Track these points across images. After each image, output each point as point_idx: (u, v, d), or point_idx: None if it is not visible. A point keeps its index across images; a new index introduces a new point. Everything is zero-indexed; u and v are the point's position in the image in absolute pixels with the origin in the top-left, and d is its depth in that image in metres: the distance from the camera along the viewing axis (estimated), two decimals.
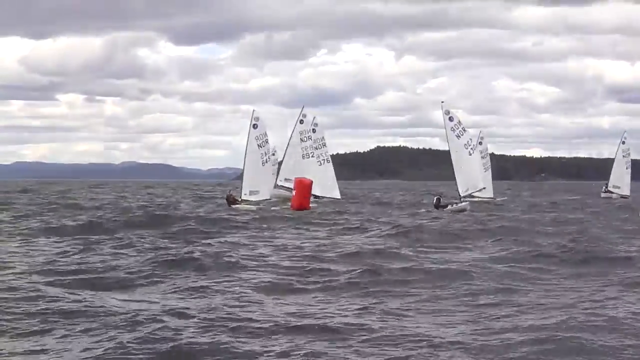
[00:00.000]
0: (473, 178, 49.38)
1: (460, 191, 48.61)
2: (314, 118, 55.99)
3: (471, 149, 49.82)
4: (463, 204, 47.71)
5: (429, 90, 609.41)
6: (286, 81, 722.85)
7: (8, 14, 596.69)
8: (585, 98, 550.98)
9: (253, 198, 46.23)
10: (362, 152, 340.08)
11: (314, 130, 54.47)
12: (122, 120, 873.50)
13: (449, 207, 47.13)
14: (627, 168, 69.28)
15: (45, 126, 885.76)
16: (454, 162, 48.64)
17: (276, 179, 53.15)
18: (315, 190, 49.38)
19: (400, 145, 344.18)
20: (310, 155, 53.36)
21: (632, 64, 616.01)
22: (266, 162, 47.71)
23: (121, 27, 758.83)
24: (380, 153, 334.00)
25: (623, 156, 69.53)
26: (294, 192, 45.04)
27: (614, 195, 68.13)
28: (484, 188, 53.10)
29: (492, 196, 60.63)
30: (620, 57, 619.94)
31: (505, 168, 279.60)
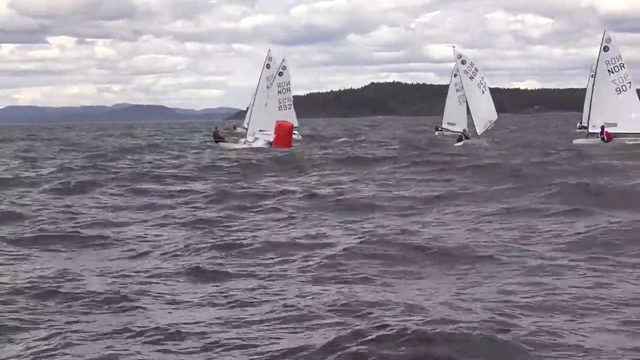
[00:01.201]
0: (488, 115, 49.74)
1: (477, 130, 49.10)
2: (283, 60, 50.87)
3: (483, 87, 50.43)
4: (480, 140, 47.77)
5: (422, 25, 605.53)
6: (278, 18, 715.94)
7: None
8: (580, 28, 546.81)
9: (263, 137, 46.39)
10: (356, 88, 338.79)
11: (280, 74, 50.04)
12: (114, 62, 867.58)
13: (466, 141, 46.91)
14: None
15: (37, 69, 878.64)
16: (469, 104, 49.85)
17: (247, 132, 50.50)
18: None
19: (394, 81, 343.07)
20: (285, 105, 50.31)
21: None
22: (284, 108, 48.40)
23: None
24: (375, 89, 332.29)
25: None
26: (274, 136, 45.26)
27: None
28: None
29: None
30: None
31: (499, 101, 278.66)
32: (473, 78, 49.91)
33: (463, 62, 50.26)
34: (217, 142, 49.33)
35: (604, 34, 43.65)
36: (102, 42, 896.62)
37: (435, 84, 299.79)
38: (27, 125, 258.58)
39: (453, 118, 62.32)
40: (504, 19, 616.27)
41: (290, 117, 49.47)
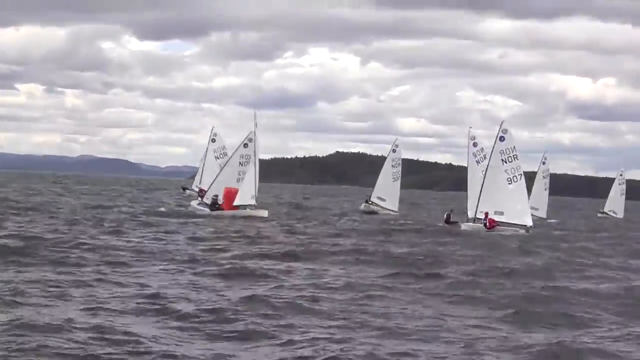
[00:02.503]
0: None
1: (469, 213, 47.54)
2: (213, 128, 56.61)
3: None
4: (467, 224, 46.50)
5: (392, 98, 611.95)
6: (250, 82, 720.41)
7: None
8: (547, 113, 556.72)
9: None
10: (321, 156, 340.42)
11: (213, 140, 55.57)
12: (82, 113, 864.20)
13: (462, 225, 45.68)
14: (545, 189, 65.13)
15: (3, 115, 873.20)
16: (468, 184, 48.95)
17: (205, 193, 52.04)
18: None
19: (359, 152, 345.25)
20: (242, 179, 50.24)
21: (594, 81, 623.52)
22: (241, 179, 48.97)
23: (86, 19, 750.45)
24: (340, 158, 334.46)
25: (543, 177, 65.71)
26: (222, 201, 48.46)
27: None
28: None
29: (544, 216, 61.82)
30: (584, 73, 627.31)
31: (461, 179, 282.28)
32: (479, 163, 49.73)
33: (474, 145, 50.52)
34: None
35: (501, 124, 44.18)
36: (71, 92, 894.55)
37: (402, 157, 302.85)
38: None
39: (384, 193, 61.45)
40: (473, 97, 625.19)
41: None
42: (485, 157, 49.87)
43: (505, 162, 42.95)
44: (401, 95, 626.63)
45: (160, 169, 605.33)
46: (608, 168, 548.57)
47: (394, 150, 60.53)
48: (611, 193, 73.88)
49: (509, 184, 42.55)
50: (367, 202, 63.86)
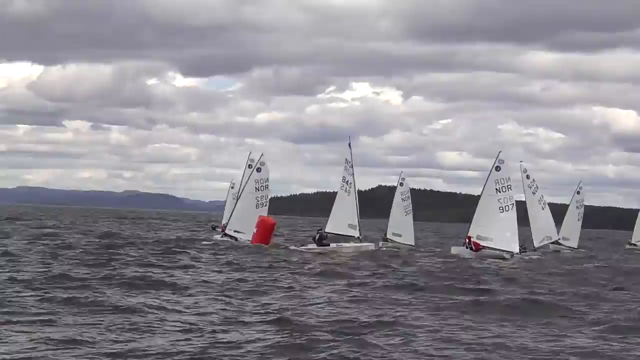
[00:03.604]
0: (546, 230, 54.59)
1: (535, 242, 52.95)
2: (261, 156, 50.89)
3: (543, 203, 55.17)
4: (537, 253, 50.96)
5: (434, 131, 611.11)
6: (293, 116, 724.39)
7: (19, 39, 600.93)
8: (591, 145, 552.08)
9: (239, 236, 47.03)
10: (363, 190, 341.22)
11: (258, 170, 49.63)
12: (127, 149, 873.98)
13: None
14: (579, 220, 64.20)
15: (50, 152, 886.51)
16: (529, 216, 53.26)
17: (226, 227, 49.79)
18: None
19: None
20: (264, 205, 48.98)
21: (639, 113, 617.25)
22: (261, 205, 48.08)
23: (130, 56, 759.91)
24: (382, 192, 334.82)
25: (576, 207, 64.78)
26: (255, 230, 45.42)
27: (563, 248, 61.29)
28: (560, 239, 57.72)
29: (575, 246, 62.99)
30: (628, 106, 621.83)
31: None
32: (535, 193, 54.57)
33: (527, 177, 54.62)
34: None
35: (498, 155, 45.39)
36: (116, 128, 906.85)
37: (443, 190, 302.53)
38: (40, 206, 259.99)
39: (398, 229, 58.19)
40: (516, 130, 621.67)
41: (264, 214, 49.00)
42: (538, 188, 55.09)
43: (499, 192, 44.45)
44: (443, 129, 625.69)
45: (204, 203, 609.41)
46: None
47: (401, 184, 57.41)
48: (637, 224, 71.46)
49: (501, 212, 44.15)
50: (384, 239, 57.93)
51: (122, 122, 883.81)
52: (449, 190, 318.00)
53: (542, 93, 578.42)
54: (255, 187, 49.42)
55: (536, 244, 53.34)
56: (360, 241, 44.51)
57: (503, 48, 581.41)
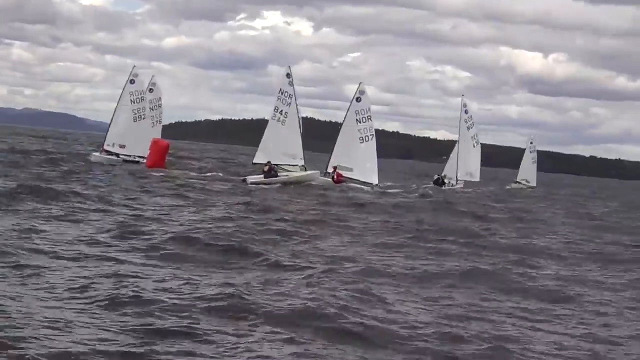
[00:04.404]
0: (470, 167, 56.98)
1: (458, 174, 55.78)
2: (152, 77, 51.32)
3: (476, 142, 57.39)
4: (458, 185, 54.81)
5: (344, 64, 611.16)
6: (202, 42, 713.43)
7: None
8: (497, 86, 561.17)
9: (120, 151, 46.95)
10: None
11: (150, 90, 49.66)
12: (29, 66, 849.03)
13: (446, 185, 53.04)
14: (533, 162, 70.53)
15: None
16: (459, 149, 56.09)
17: (103, 144, 48.48)
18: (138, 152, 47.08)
19: (307, 117, 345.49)
20: (142, 117, 48.01)
21: (545, 55, 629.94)
22: (139, 118, 47.58)
23: None
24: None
25: (530, 151, 71.02)
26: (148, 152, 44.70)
27: (522, 186, 68.42)
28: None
29: (534, 185, 69.14)
30: (535, 48, 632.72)
31: (408, 148, 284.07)
32: (469, 129, 57.18)
33: (466, 112, 57.13)
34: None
35: (359, 85, 45.53)
36: (19, 44, 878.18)
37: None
38: None
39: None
40: (424, 67, 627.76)
41: (158, 133, 49.67)
42: (473, 125, 57.69)
43: (359, 122, 44.42)
44: (352, 62, 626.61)
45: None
46: (554, 142, 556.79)
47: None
48: (523, 162, 71.82)
49: (361, 142, 44.16)
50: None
51: (25, 38, 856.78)
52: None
53: (451, 31, 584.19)
54: (150, 107, 49.47)
55: (459, 176, 55.99)
56: (305, 169, 42.74)
57: None
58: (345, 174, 43.63)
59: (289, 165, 42.47)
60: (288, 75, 43.89)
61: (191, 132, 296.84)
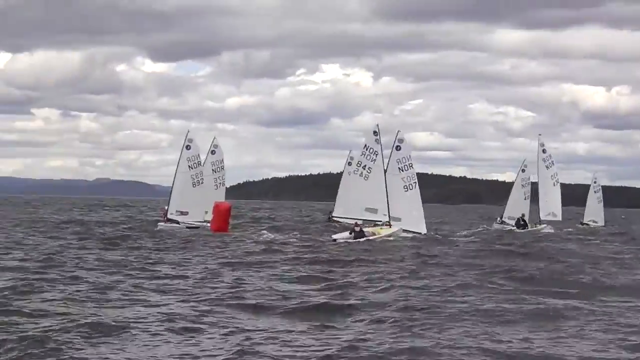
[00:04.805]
0: (553, 207, 56.97)
1: (541, 215, 56.18)
2: (214, 139, 51.36)
3: (555, 180, 57.71)
4: (543, 226, 54.85)
5: (405, 112, 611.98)
6: (263, 100, 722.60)
7: None
8: (561, 123, 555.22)
9: (181, 218, 46.08)
10: (335, 173, 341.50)
11: (213, 152, 49.86)
12: (97, 136, 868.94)
13: (529, 227, 53.85)
14: (525, 199, 59.79)
15: (20, 140, 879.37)
16: (539, 189, 56.64)
17: (167, 213, 47.06)
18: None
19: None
20: (200, 182, 46.94)
21: (607, 89, 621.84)
22: (197, 183, 46.76)
23: (99, 42, 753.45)
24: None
25: (522, 185, 60.49)
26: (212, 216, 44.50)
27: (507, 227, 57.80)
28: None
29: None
30: (597, 82, 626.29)
31: (475, 192, 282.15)
32: (549, 168, 57.46)
33: (544, 151, 57.50)
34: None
35: (397, 134, 44.64)
36: (86, 115, 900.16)
37: (417, 171, 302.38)
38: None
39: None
40: (486, 109, 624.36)
41: (222, 195, 49.33)
42: (553, 164, 57.70)
43: (402, 171, 43.74)
44: (414, 109, 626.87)
45: None
46: (624, 177, 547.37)
47: (349, 163, 53.08)
48: (588, 202, 68.25)
49: (406, 191, 43.58)
50: (329, 219, 57.34)
51: (92, 109, 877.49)
52: (421, 171, 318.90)
53: (511, 71, 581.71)
54: (212, 169, 49.54)
55: (542, 216, 56.00)
56: (390, 225, 41.86)
57: (471, 27, 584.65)
58: (393, 223, 42.41)
59: (372, 220, 42.04)
60: (375, 132, 43.39)
61: (258, 191, 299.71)
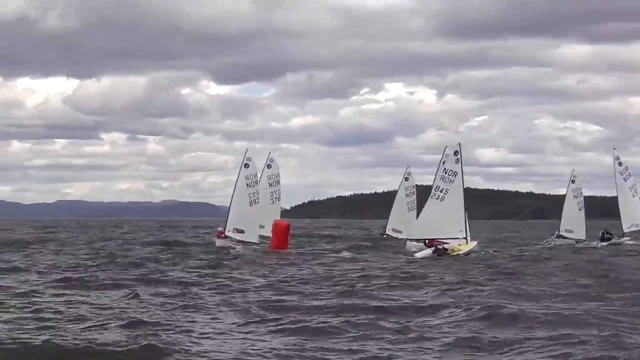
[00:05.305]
0: (635, 218, 57.44)
1: (624, 227, 57.05)
2: (270, 153, 51.80)
3: (634, 192, 58.13)
4: (625, 238, 56.25)
5: (470, 129, 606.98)
6: (327, 120, 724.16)
7: (53, 54, 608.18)
8: (630, 137, 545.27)
9: (237, 236, 45.87)
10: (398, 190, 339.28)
11: (269, 166, 50.29)
12: (163, 159, 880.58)
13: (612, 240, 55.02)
14: (579, 209, 58.67)
15: (89, 165, 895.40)
16: (619, 202, 57.33)
17: (225, 230, 46.60)
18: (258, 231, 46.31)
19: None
20: (256, 202, 46.36)
21: None
22: (254, 202, 46.32)
23: (163, 67, 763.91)
24: (418, 192, 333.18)
25: (574, 196, 59.30)
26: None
27: (568, 241, 56.98)
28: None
29: (583, 237, 58.82)
30: None
31: (542, 207, 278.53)
32: (626, 180, 57.86)
33: (620, 164, 57.82)
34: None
35: (445, 150, 43.37)
36: (152, 139, 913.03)
37: (481, 187, 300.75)
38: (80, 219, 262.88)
39: (399, 225, 58.71)
40: (552, 124, 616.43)
41: (277, 210, 50.20)
42: (630, 175, 58.06)
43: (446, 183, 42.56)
44: (479, 126, 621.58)
45: None
46: None
47: (406, 179, 60.04)
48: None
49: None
50: (382, 234, 61.17)
51: (158, 132, 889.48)
52: (487, 187, 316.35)
53: (577, 86, 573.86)
54: (268, 183, 50.21)
55: (625, 228, 56.70)
56: (467, 241, 42.03)
57: (536, 42, 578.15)
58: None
59: (450, 238, 41.80)
60: (456, 152, 42.80)
61: (324, 210, 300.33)
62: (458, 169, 42.43)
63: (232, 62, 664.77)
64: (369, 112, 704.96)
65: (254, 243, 45.39)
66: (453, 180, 42.19)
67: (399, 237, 55.60)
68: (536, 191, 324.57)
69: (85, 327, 15.88)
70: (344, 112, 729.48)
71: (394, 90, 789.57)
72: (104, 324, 16.23)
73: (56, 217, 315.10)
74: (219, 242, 46.92)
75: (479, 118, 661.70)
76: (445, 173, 42.23)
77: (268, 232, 46.26)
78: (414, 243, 44.11)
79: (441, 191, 42.13)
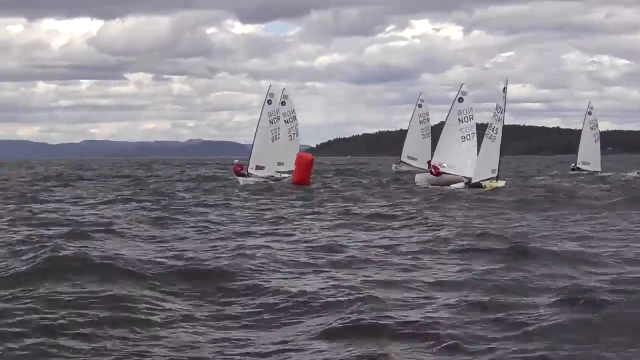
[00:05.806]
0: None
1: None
2: (283, 90, 51.15)
3: (596, 140, 59.48)
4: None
5: (497, 65, 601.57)
6: (353, 58, 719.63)
7: None
8: None
9: (259, 173, 45.71)
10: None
11: (283, 103, 49.60)
12: (189, 99, 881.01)
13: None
14: (595, 141, 59.66)
15: (114, 105, 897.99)
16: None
17: (247, 168, 46.16)
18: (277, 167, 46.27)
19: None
20: (278, 137, 46.30)
21: None
22: (275, 138, 46.39)
23: (188, 6, 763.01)
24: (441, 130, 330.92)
25: (591, 128, 59.92)
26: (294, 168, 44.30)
27: (584, 173, 57.00)
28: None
29: (598, 169, 58.51)
30: None
31: (570, 142, 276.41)
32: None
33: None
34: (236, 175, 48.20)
35: (461, 87, 46.03)
36: (177, 78, 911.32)
37: (509, 124, 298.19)
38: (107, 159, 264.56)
39: (414, 152, 59.17)
40: (579, 59, 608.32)
41: (296, 145, 50.15)
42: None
43: (462, 122, 45.18)
44: (506, 62, 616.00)
45: None
46: None
47: (419, 106, 59.24)
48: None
49: (462, 141, 44.96)
50: (397, 163, 61.32)
51: (183, 72, 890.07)
52: (513, 123, 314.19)
53: (605, 20, 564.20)
54: (285, 120, 49.48)
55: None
56: (497, 180, 41.58)
57: None
58: (449, 171, 44.49)
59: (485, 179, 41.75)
60: (504, 89, 42.21)
61: (350, 148, 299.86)
62: (502, 104, 41.86)
63: (256, 0, 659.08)
64: (395, 49, 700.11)
65: (279, 179, 45.13)
66: (500, 118, 41.90)
67: (414, 166, 55.86)
68: (562, 126, 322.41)
69: None
70: (370, 50, 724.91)
71: (420, 27, 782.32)
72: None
73: (81, 157, 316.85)
74: (242, 181, 46.07)
75: (505, 54, 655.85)
76: (497, 110, 41.69)
77: (286, 168, 46.15)
78: (423, 175, 46.40)
79: (493, 130, 41.82)
